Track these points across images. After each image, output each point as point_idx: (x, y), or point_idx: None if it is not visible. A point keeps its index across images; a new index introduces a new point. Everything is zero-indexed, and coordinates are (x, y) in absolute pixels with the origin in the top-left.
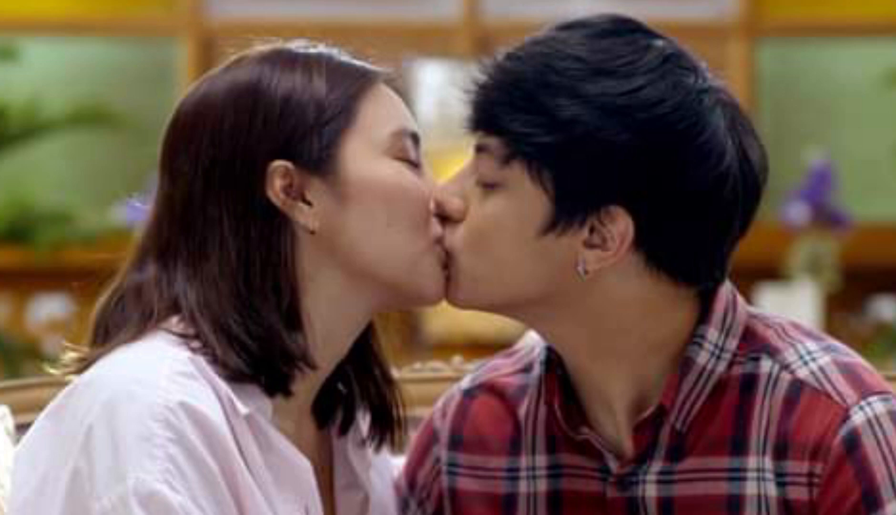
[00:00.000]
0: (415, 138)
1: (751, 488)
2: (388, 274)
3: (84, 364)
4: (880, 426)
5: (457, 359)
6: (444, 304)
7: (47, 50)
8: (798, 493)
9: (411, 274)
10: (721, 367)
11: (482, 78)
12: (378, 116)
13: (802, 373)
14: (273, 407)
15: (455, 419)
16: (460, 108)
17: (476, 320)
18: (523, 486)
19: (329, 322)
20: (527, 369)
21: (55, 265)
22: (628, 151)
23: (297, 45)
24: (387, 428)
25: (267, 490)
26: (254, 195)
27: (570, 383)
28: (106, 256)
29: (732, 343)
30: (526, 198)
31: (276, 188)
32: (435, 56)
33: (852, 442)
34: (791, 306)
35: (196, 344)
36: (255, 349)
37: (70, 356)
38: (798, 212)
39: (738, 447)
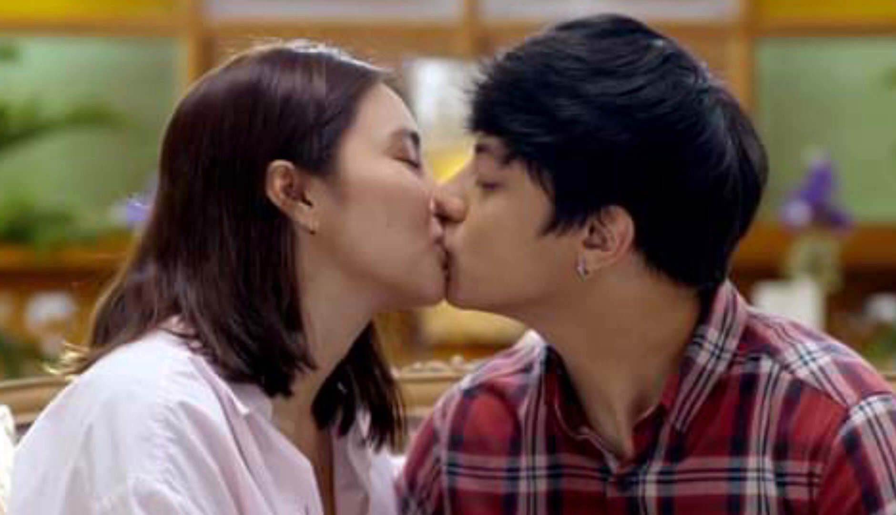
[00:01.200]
0: (415, 138)
1: (751, 488)
2: (388, 274)
3: (84, 364)
4: (880, 426)
5: (457, 359)
6: (444, 304)
7: (47, 50)
8: (798, 493)
9: (411, 274)
10: (721, 367)
11: (482, 78)
12: (378, 116)
13: (802, 373)
14: (273, 407)
15: (455, 419)
16: (460, 108)
17: (476, 320)
18: (523, 486)
19: (329, 322)
20: (527, 369)
21: (55, 265)
22: (628, 151)
23: (297, 45)
24: (387, 428)
25: (267, 490)
26: (254, 195)
27: (570, 383)
28: (106, 256)
29: (732, 343)
30: (526, 198)
31: (276, 188)
32: (435, 56)
33: (852, 442)
34: (791, 306)
35: (196, 344)
36: (255, 349)
37: (70, 356)
38: (798, 212)
39: (738, 447)
